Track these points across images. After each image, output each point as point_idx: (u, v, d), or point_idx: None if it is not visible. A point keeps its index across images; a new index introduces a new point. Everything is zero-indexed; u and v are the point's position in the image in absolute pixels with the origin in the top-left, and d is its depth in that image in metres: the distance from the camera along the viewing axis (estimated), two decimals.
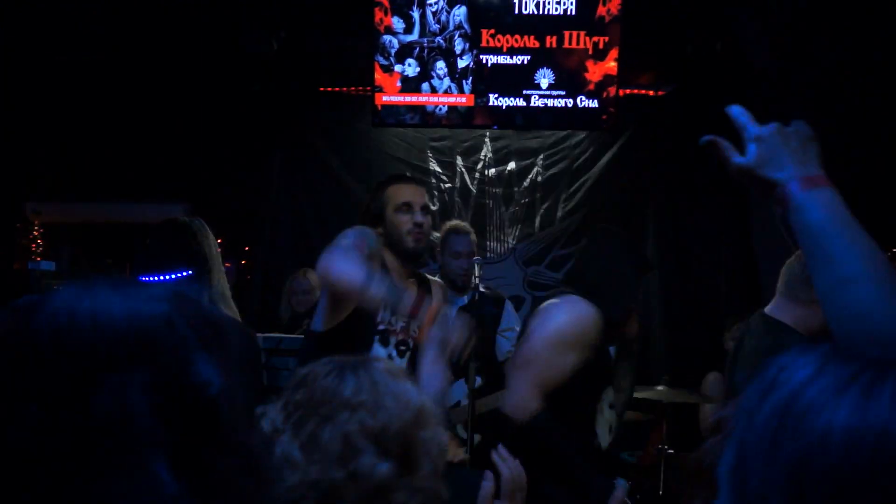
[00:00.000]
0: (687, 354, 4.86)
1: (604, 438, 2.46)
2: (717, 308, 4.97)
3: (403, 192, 2.46)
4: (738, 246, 5.06)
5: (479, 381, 3.28)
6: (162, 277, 2.20)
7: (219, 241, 5.07)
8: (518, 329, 3.62)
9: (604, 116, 4.38)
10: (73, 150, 5.12)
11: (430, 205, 2.64)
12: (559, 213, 5.28)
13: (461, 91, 4.42)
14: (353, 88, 5.10)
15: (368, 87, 4.64)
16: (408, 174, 4.30)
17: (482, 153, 5.26)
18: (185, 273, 2.22)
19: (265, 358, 3.34)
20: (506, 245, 5.27)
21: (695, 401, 4.11)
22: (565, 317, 2.34)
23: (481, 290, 3.51)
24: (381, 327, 2.37)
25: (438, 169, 5.25)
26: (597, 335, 2.30)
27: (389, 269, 2.38)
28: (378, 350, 2.37)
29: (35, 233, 5.19)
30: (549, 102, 4.40)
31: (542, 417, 2.22)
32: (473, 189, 5.28)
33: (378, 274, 2.07)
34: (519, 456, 1.61)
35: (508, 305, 3.75)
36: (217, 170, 5.08)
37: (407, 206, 2.41)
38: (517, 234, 5.28)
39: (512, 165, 5.26)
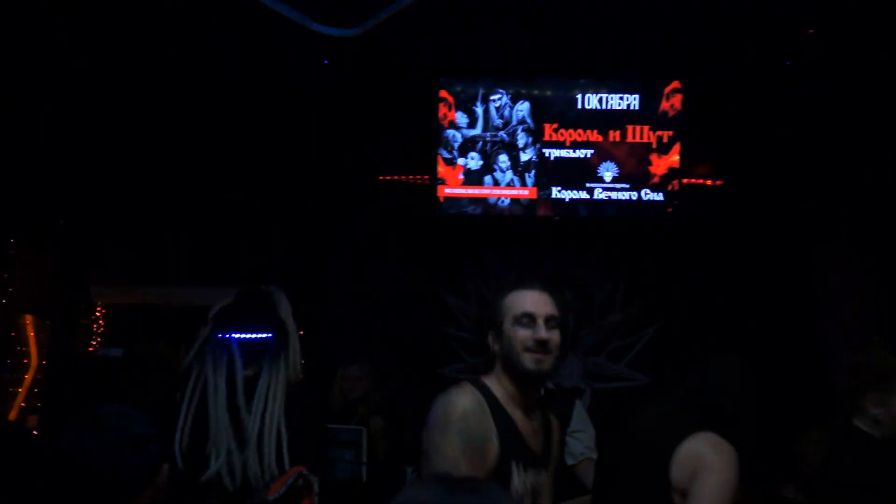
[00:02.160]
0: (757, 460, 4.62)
1: None
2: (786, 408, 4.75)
3: (524, 301, 2.00)
4: (807, 335, 4.88)
5: None
6: (244, 336, 2.24)
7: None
8: (588, 430, 3.49)
9: (669, 209, 4.34)
10: (138, 235, 5.24)
11: (560, 315, 2.05)
12: (618, 303, 5.19)
13: (524, 184, 4.44)
14: (412, 178, 5.16)
15: (427, 177, 4.69)
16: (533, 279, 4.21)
17: (540, 241, 5.23)
18: (266, 336, 2.26)
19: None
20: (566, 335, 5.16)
21: None
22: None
23: (549, 386, 3.40)
24: None
25: (495, 259, 5.22)
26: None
27: (502, 396, 2.01)
28: None
29: (98, 313, 5.27)
30: (613, 196, 4.38)
31: None
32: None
33: None
34: None
35: (578, 405, 3.61)
36: (272, 256, 5.13)
37: (528, 318, 1.98)
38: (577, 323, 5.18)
39: (570, 254, 5.21)
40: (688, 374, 2.40)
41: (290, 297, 5.32)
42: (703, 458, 1.97)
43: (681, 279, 5.12)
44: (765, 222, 4.90)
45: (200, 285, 5.10)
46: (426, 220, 5.02)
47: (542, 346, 1.96)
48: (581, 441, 3.43)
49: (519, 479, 1.99)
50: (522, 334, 1.97)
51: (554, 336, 1.97)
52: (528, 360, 1.97)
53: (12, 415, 4.67)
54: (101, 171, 5.01)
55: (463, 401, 1.94)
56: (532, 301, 2.01)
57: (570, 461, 3.50)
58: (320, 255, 5.27)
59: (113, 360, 4.57)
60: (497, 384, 2.04)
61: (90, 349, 5.09)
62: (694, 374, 2.36)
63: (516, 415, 2.02)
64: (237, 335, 2.23)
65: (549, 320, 1.98)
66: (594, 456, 3.50)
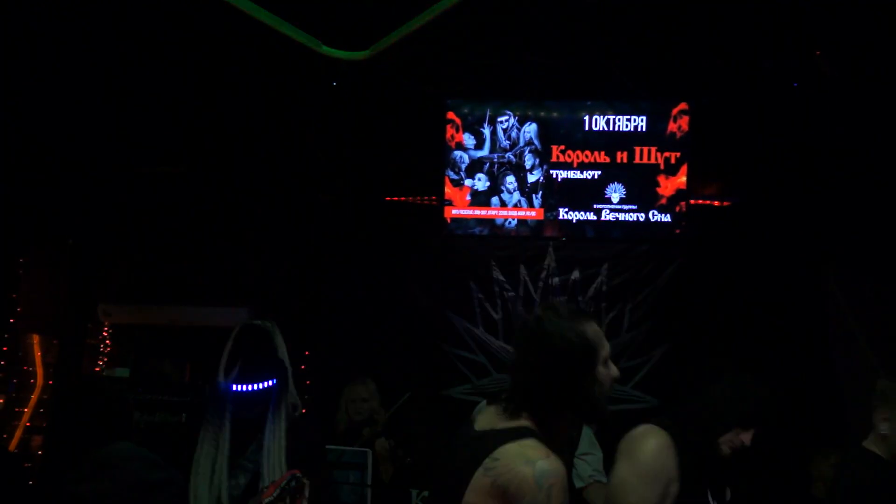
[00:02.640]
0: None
1: None
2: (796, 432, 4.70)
3: (604, 338, 1.86)
4: (815, 360, 4.83)
5: None
6: (252, 387, 2.26)
7: None
8: (596, 453, 3.46)
9: (677, 230, 4.33)
10: (146, 255, 5.26)
11: None
12: (625, 324, 5.16)
13: (531, 205, 4.45)
14: (419, 198, 5.17)
15: (434, 197, 4.70)
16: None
17: (546, 262, 5.23)
18: (272, 382, 2.29)
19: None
20: None
21: None
22: (649, 450, 2.21)
23: None
24: None
25: (502, 277, 5.21)
26: (675, 466, 2.17)
27: (557, 437, 1.86)
28: None
29: (104, 333, 5.28)
30: (621, 217, 4.38)
31: None
32: (537, 298, 5.21)
33: None
34: None
35: (586, 428, 3.58)
36: (277, 276, 5.14)
37: (607, 358, 1.85)
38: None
39: (576, 274, 5.20)
40: (703, 391, 2.40)
41: (295, 317, 5.33)
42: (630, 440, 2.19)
43: (689, 300, 5.09)
44: (773, 243, 4.88)
45: (206, 305, 5.12)
46: (433, 241, 5.03)
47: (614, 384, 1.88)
48: (590, 464, 3.41)
49: None
50: (608, 374, 1.84)
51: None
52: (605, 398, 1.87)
53: (17, 433, 4.66)
54: (110, 192, 5.05)
55: (558, 467, 1.73)
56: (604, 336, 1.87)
57: (578, 484, 3.47)
58: (326, 275, 5.27)
59: (119, 381, 4.58)
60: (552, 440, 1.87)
61: (97, 369, 5.09)
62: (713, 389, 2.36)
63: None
64: (245, 387, 2.25)
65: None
66: (603, 479, 3.47)
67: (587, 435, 3.58)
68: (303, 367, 5.39)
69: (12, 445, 4.61)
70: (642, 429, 2.25)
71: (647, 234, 4.49)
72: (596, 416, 1.85)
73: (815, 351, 4.85)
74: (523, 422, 1.77)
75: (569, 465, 3.41)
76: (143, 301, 5.27)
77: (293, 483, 1.96)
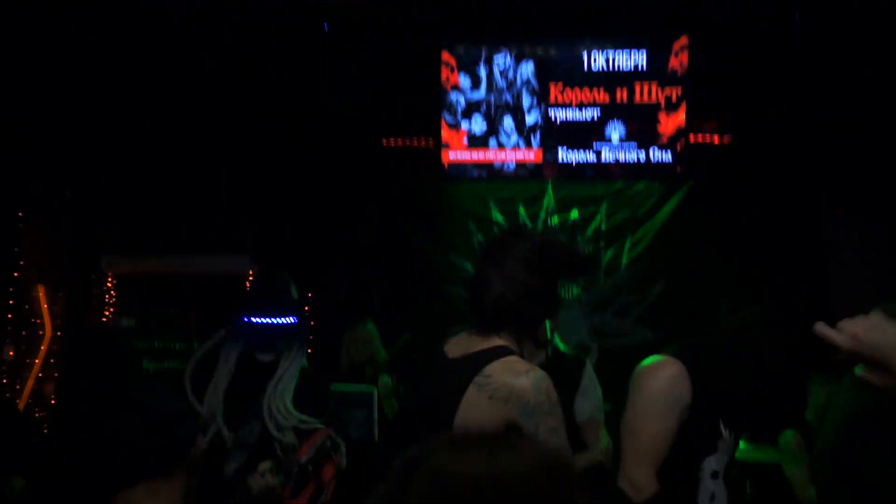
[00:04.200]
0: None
1: None
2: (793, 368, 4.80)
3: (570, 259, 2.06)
4: (815, 293, 4.90)
5: None
6: (271, 320, 2.32)
7: None
8: (596, 392, 3.54)
9: (678, 169, 4.31)
10: (145, 205, 5.24)
11: None
12: (624, 261, 5.20)
13: (529, 146, 4.40)
14: (415, 141, 5.13)
15: (431, 140, 4.65)
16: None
17: (545, 201, 5.23)
18: (293, 320, 2.35)
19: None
20: (570, 293, 5.20)
21: (776, 459, 3.96)
22: (660, 382, 2.23)
23: (558, 347, 3.43)
24: None
25: (500, 219, 5.23)
26: (690, 395, 2.20)
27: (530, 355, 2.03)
28: None
29: (109, 283, 5.32)
30: (621, 156, 4.35)
31: (660, 499, 2.14)
32: None
33: None
34: None
35: (588, 367, 3.65)
36: (280, 223, 5.14)
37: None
38: (581, 282, 5.20)
39: (575, 213, 5.21)
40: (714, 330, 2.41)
41: (297, 261, 5.35)
42: (641, 373, 2.22)
43: (687, 238, 5.12)
44: (774, 182, 4.87)
45: (210, 254, 5.15)
46: (432, 184, 5.01)
47: None
48: (590, 403, 3.49)
49: None
50: None
51: None
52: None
53: (29, 383, 4.76)
54: (110, 141, 4.99)
55: (543, 376, 1.92)
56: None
57: (578, 420, 3.57)
58: (327, 219, 5.27)
59: (126, 331, 4.65)
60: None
61: (104, 319, 5.15)
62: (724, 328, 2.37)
63: None
64: (259, 319, 2.28)
65: None
66: (601, 418, 3.58)
67: (588, 373, 3.66)
68: (306, 308, 5.46)
69: (25, 394, 4.71)
70: (656, 359, 2.27)
71: (647, 173, 4.47)
72: (541, 343, 2.00)
73: (815, 291, 4.91)
74: (499, 342, 1.89)
75: (568, 403, 3.48)
76: (146, 251, 5.30)
77: (328, 443, 1.94)
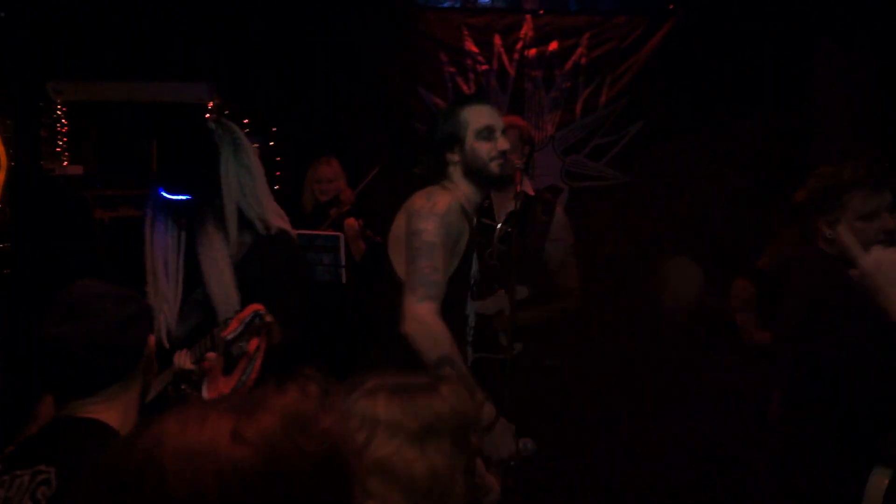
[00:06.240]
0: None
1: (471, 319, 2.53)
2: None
3: (483, 116, 2.35)
4: (797, 144, 4.75)
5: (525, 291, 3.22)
6: (170, 197, 2.20)
7: (245, 120, 4.83)
8: (566, 238, 3.50)
9: (671, 6, 3.98)
10: (95, 27, 4.84)
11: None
12: (603, 99, 4.98)
13: None
14: None
15: None
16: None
17: (522, 32, 4.90)
18: (186, 198, 2.21)
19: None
20: (544, 132, 5.03)
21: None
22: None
23: (529, 193, 3.35)
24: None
25: (475, 49, 4.91)
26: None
27: (465, 202, 2.33)
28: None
29: (59, 112, 5.04)
30: None
31: None
32: (512, 71, 4.95)
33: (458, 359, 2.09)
34: None
35: (559, 212, 3.55)
36: (243, 49, 4.81)
37: (489, 131, 2.33)
38: (557, 120, 5.01)
39: (554, 46, 4.90)
40: None
41: (261, 94, 5.09)
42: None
43: (670, 76, 4.87)
44: (761, 16, 4.55)
45: (165, 80, 4.85)
46: (402, 10, 4.65)
47: (503, 154, 2.33)
48: (560, 248, 3.46)
49: (475, 268, 2.45)
50: (486, 146, 2.31)
51: (507, 143, 2.35)
52: (494, 168, 2.33)
53: None
54: None
55: (446, 198, 2.24)
56: (489, 115, 2.34)
57: (551, 266, 3.55)
58: (292, 49, 4.93)
59: (74, 179, 4.46)
60: (458, 192, 2.34)
61: (57, 149, 4.92)
62: None
63: (473, 217, 2.39)
64: (167, 195, 2.14)
65: (503, 131, 2.36)
66: (573, 261, 3.58)
67: (559, 219, 3.58)
68: (271, 143, 5.26)
69: None
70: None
71: (637, 4, 4.12)
72: (484, 179, 2.35)
73: (798, 133, 4.75)
74: (437, 186, 2.32)
75: (539, 250, 3.42)
76: (97, 77, 4.97)
77: (256, 320, 1.81)
